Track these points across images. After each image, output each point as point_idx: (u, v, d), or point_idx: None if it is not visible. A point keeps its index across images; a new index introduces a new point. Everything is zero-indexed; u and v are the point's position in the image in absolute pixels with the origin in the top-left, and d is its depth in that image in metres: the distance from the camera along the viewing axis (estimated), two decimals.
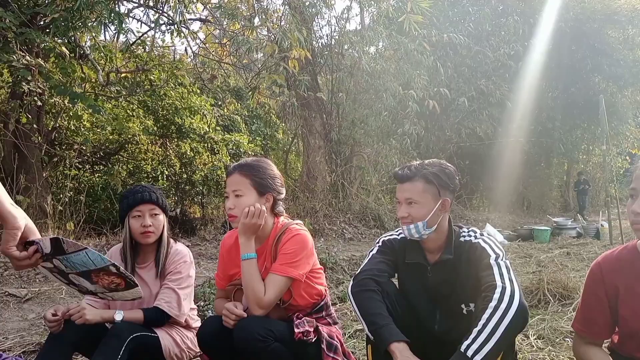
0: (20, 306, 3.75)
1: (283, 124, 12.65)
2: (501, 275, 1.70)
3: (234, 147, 11.44)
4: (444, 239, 1.92)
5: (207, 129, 10.57)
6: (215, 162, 11.12)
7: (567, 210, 16.16)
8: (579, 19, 12.80)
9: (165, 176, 11.18)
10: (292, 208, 8.51)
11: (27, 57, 5.55)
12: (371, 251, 2.04)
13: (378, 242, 2.07)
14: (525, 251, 7.68)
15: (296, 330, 1.95)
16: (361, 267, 1.96)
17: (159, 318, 2.25)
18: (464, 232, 1.94)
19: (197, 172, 10.98)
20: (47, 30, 5.93)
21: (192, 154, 10.84)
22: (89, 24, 5.30)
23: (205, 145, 10.87)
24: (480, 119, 12.09)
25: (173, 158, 11.11)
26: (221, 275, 2.27)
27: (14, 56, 5.43)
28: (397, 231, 2.08)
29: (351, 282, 1.91)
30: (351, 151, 10.43)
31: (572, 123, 14.63)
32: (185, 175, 11.32)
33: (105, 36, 5.80)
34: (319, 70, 9.85)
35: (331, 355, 2.02)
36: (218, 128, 11.33)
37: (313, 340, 1.99)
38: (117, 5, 5.14)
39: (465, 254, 1.87)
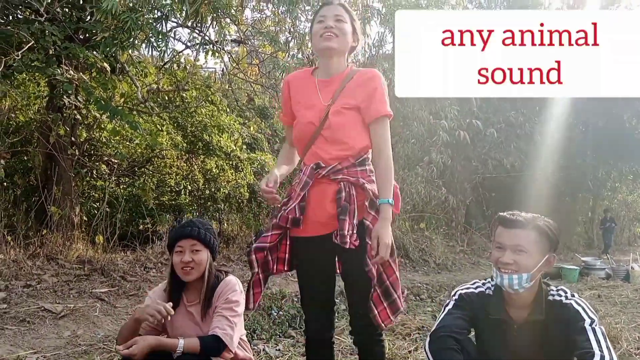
0: (56, 322, 3.72)
1: None
2: (598, 342, 1.62)
3: (258, 167, 11.48)
4: (533, 295, 1.83)
5: (234, 147, 10.63)
6: (238, 180, 11.16)
7: (591, 247, 15.81)
8: None
9: (188, 191, 11.24)
10: None
11: (71, 72, 5.65)
12: (447, 305, 1.96)
13: (454, 295, 1.98)
14: None
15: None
16: (437, 322, 1.88)
17: (215, 347, 2.17)
18: (553, 290, 1.86)
19: (220, 189, 11.01)
20: (89, 45, 6.05)
21: (217, 171, 10.89)
22: (137, 44, 5.38)
23: (230, 163, 10.92)
24: (507, 151, 11.96)
25: (197, 174, 11.17)
26: (287, 112, 2.31)
27: (58, 70, 5.53)
28: (473, 284, 1.99)
29: (428, 339, 1.83)
30: None
31: (599, 159, 14.41)
32: (208, 192, 11.36)
33: (149, 52, 5.88)
34: None
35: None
36: (243, 146, 11.40)
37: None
38: (162, 26, 5.22)
39: (556, 314, 1.79)
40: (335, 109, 2.08)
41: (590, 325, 1.69)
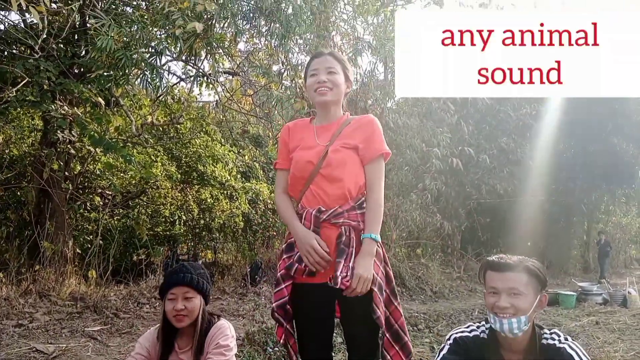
0: None
1: None
2: None
3: (253, 195, 11.48)
4: (528, 339, 1.83)
5: (228, 177, 10.66)
6: (233, 210, 11.14)
7: (588, 271, 15.80)
8: None
9: (182, 221, 11.20)
10: None
11: (65, 107, 5.69)
12: (441, 350, 1.95)
13: (449, 340, 1.97)
14: (552, 318, 7.44)
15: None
16: None
17: None
18: (546, 333, 1.86)
19: (215, 219, 10.99)
20: (83, 79, 6.11)
21: (212, 201, 10.88)
22: (131, 80, 5.45)
23: (225, 192, 10.92)
24: (500, 176, 12.04)
25: (192, 204, 11.15)
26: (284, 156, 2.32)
27: (53, 106, 5.57)
28: (467, 327, 1.98)
29: None
30: None
31: (592, 183, 14.52)
32: (202, 222, 11.32)
33: (145, 86, 5.94)
34: None
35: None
36: (237, 175, 11.42)
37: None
38: (156, 61, 5.29)
39: (549, 358, 1.78)
40: (334, 148, 2.12)
41: None
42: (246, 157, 12.38)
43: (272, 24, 6.54)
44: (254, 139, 13.68)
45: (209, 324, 2.34)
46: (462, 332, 1.98)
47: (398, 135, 9.77)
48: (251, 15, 6.13)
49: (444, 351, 1.93)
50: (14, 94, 5.27)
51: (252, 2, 6.18)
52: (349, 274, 1.99)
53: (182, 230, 11.39)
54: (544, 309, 1.86)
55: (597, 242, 14.46)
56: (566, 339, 1.82)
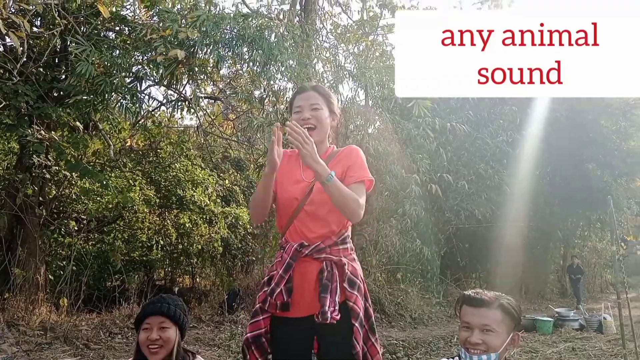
0: None
1: None
2: None
3: (233, 220, 11.38)
4: None
5: (208, 201, 10.57)
6: (212, 234, 11.02)
7: (565, 296, 15.93)
8: (574, 109, 13.32)
9: (160, 246, 11.01)
10: None
11: (42, 132, 5.61)
12: None
13: None
14: (529, 344, 7.47)
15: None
16: None
17: None
18: None
19: (194, 244, 10.84)
20: (61, 103, 6.04)
21: (190, 226, 10.75)
22: (110, 105, 5.42)
23: (204, 217, 10.81)
24: (479, 202, 12.19)
25: (170, 228, 11.00)
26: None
27: (29, 130, 5.49)
28: None
29: None
30: (352, 231, 10.36)
31: (568, 209, 14.78)
32: (180, 246, 11.15)
33: (124, 112, 5.91)
34: None
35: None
36: (218, 200, 11.33)
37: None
38: (137, 86, 5.28)
39: None
40: (319, 186, 2.10)
41: None
42: (227, 181, 12.31)
43: (255, 51, 6.60)
44: (235, 163, 13.64)
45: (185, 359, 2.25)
46: None
47: (378, 161, 9.86)
48: (233, 42, 6.18)
49: None
50: None
51: (235, 30, 6.25)
52: (336, 308, 1.99)
53: (159, 255, 11.19)
54: (516, 347, 1.86)
55: (568, 267, 14.51)
56: None
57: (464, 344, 1.80)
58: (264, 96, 8.56)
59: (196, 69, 6.64)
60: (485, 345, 1.76)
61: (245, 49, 6.49)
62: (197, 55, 5.88)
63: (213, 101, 9.45)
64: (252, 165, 11.98)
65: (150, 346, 2.13)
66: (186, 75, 6.83)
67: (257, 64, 6.94)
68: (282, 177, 2.23)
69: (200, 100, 8.50)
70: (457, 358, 1.91)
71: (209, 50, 6.01)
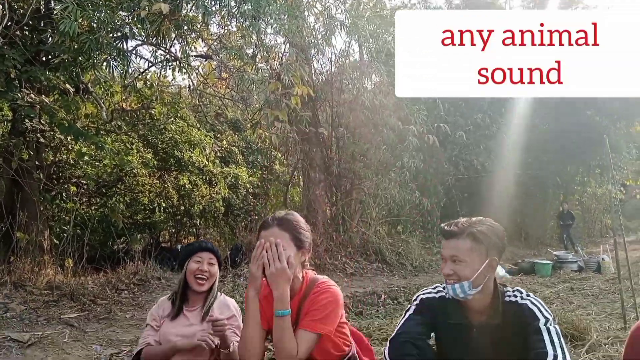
0: (23, 352, 3.64)
1: (281, 156, 12.67)
2: (552, 342, 1.66)
3: (233, 180, 11.43)
4: (490, 299, 1.86)
5: (206, 162, 10.58)
6: (213, 195, 11.09)
7: (574, 242, 16.16)
8: None
9: (162, 208, 11.10)
10: None
11: (32, 95, 5.56)
12: (408, 310, 1.97)
13: (415, 300, 1.99)
14: (528, 286, 7.62)
15: None
16: (398, 328, 1.89)
17: None
18: (509, 291, 1.88)
19: (195, 205, 10.92)
20: (51, 67, 5.96)
21: (190, 187, 10.80)
22: (97, 64, 5.33)
23: (204, 177, 10.85)
24: (477, 152, 12.20)
25: (171, 190, 11.05)
26: None
27: (19, 94, 5.44)
28: (434, 288, 2.00)
29: (387, 345, 1.84)
30: (351, 184, 10.42)
31: (566, 155, 14.77)
32: (183, 208, 11.25)
33: (111, 71, 5.82)
34: (319, 105, 9.94)
35: None
36: (216, 160, 11.34)
37: None
38: (123, 44, 5.18)
39: (512, 315, 1.81)
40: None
41: (545, 324, 1.72)
42: (224, 142, 12.27)
43: (243, 4, 6.44)
44: (232, 124, 13.57)
45: (216, 295, 2.58)
46: (429, 292, 2.00)
47: (375, 114, 9.81)
48: None
49: (410, 311, 1.95)
50: None
51: None
52: None
53: (162, 217, 11.29)
54: (497, 272, 1.89)
55: (559, 213, 14.52)
56: (528, 296, 1.85)
57: (442, 275, 1.84)
58: (256, 52, 8.41)
59: (185, 26, 6.51)
60: (456, 275, 1.80)
61: (232, 2, 6.32)
62: (183, 9, 5.74)
63: (204, 60, 9.29)
64: (248, 125, 11.90)
65: (199, 276, 2.48)
66: (174, 33, 6.69)
67: (246, 17, 6.78)
68: (270, 315, 2.06)
69: (191, 59, 8.37)
70: (439, 288, 1.97)
71: (194, 4, 5.87)
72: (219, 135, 12.29)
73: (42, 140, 6.25)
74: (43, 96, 5.91)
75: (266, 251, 1.95)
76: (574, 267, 9.31)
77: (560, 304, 6.03)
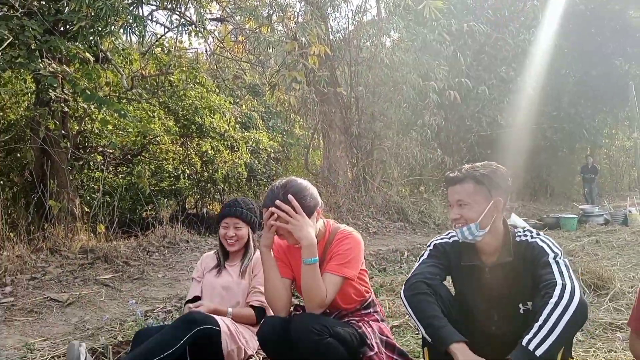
0: (63, 310, 3.83)
1: (300, 119, 12.65)
2: (561, 273, 1.70)
3: (254, 145, 11.51)
4: (500, 240, 1.90)
5: (227, 127, 10.65)
6: (235, 160, 11.21)
7: (597, 196, 15.89)
8: (597, 0, 12.54)
9: (186, 175, 11.30)
10: None
11: (53, 65, 5.64)
12: (422, 256, 2.04)
13: (429, 246, 2.06)
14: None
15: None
16: (412, 271, 1.96)
17: (262, 316, 2.54)
18: (519, 232, 1.93)
19: (218, 170, 11.08)
20: (70, 36, 6.01)
21: (213, 153, 10.93)
22: (114, 30, 5.35)
23: (225, 143, 10.95)
24: (501, 107, 11.94)
25: (194, 157, 11.21)
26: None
27: (41, 64, 5.52)
28: (447, 234, 2.06)
29: (403, 287, 1.91)
30: (372, 145, 10.38)
31: (594, 107, 14.36)
32: (206, 174, 11.42)
33: (129, 38, 5.84)
34: (337, 64, 9.82)
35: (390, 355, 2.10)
36: (237, 126, 11.40)
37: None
38: (138, 10, 5.18)
39: (522, 254, 1.85)
40: None
41: (554, 258, 1.77)
42: (244, 106, 12.28)
43: None
44: (250, 89, 13.55)
45: (254, 251, 2.74)
46: (441, 239, 2.07)
47: (394, 72, 9.65)
48: None
49: (424, 256, 2.02)
50: (0, 54, 5.22)
51: None
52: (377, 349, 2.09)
53: (187, 184, 11.50)
54: (504, 211, 1.92)
55: (582, 167, 14.16)
56: (538, 234, 1.89)
57: (451, 221, 1.89)
58: (271, 12, 8.30)
59: None
60: (463, 219, 1.85)
61: None
62: None
63: (220, 24, 9.21)
64: (266, 88, 11.86)
65: (228, 240, 2.68)
66: None
67: None
68: (296, 266, 2.19)
69: (207, 22, 8.30)
70: (452, 234, 2.02)
71: None
72: (238, 101, 12.31)
73: (66, 109, 6.37)
74: (64, 66, 5.99)
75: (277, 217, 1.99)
76: (600, 221, 9.18)
77: (585, 256, 5.99)
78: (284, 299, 2.15)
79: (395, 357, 2.13)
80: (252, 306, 2.60)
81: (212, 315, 2.40)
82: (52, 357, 2.80)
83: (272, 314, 2.19)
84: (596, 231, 8.38)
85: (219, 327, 2.35)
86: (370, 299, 2.27)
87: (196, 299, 2.72)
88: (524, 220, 9.04)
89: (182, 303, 3.80)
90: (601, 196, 13.29)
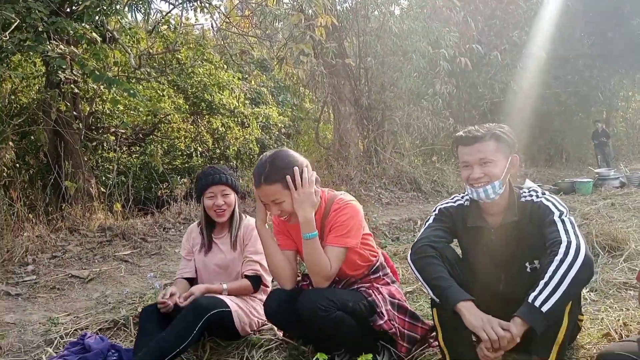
0: (85, 286, 3.95)
1: (310, 93, 12.57)
2: (566, 231, 1.70)
3: (264, 120, 11.51)
4: (506, 200, 1.90)
5: (237, 104, 10.65)
6: (246, 136, 11.23)
7: (610, 160, 15.65)
8: None
9: (199, 153, 11.38)
10: (327, 177, 8.54)
11: (61, 46, 5.66)
12: (427, 221, 2.06)
13: (434, 211, 2.07)
14: (568, 204, 7.42)
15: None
16: (418, 236, 1.98)
17: (258, 284, 2.54)
18: (525, 192, 1.93)
19: (230, 147, 11.13)
20: (76, 17, 6.01)
21: (224, 130, 10.97)
22: (119, 9, 5.34)
23: (236, 119, 10.97)
24: (514, 73, 11.70)
25: (205, 134, 11.27)
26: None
27: (49, 46, 5.55)
28: (452, 198, 2.07)
29: (410, 251, 1.93)
30: (382, 116, 10.30)
31: (610, 70, 13.99)
32: (218, 151, 11.49)
33: (134, 16, 5.82)
34: (345, 35, 9.68)
35: (403, 318, 2.14)
36: (246, 102, 11.38)
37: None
38: None
39: (528, 213, 1.86)
40: None
41: (560, 217, 1.77)
42: (253, 82, 12.24)
43: None
44: (259, 64, 13.46)
45: (241, 218, 2.65)
46: (447, 203, 2.07)
47: (403, 40, 9.49)
48: None
49: (430, 221, 2.04)
50: (8, 38, 5.25)
51: None
52: (388, 316, 2.09)
53: (199, 161, 11.59)
54: (516, 169, 1.91)
55: (593, 133, 13.88)
56: (543, 194, 1.89)
57: (468, 181, 1.87)
58: None
59: None
60: (487, 177, 1.83)
61: None
62: None
63: None
64: (275, 62, 11.76)
65: (217, 210, 2.53)
66: None
67: None
68: (297, 238, 2.18)
69: None
70: (467, 193, 2.00)
71: None
72: (246, 77, 12.27)
73: (76, 91, 6.42)
74: (72, 47, 6.01)
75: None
76: (616, 184, 9.07)
77: (600, 219, 5.95)
78: (288, 271, 2.18)
79: (407, 319, 2.16)
80: (246, 276, 2.53)
81: (219, 297, 2.39)
82: (76, 330, 2.89)
83: (271, 284, 2.24)
84: (612, 194, 8.28)
85: (229, 307, 2.37)
86: (377, 263, 2.27)
87: (190, 281, 2.63)
88: (538, 186, 8.96)
89: None
90: (617, 159, 13.05)
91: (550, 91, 12.65)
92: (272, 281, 2.64)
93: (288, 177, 2.00)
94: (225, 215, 2.54)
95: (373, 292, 2.12)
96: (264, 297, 2.68)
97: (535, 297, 1.58)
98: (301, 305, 1.99)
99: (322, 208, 2.15)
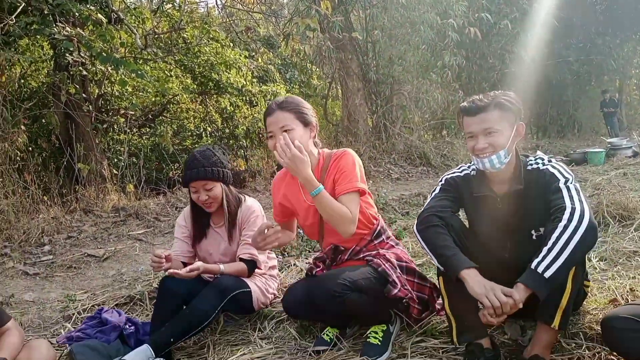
0: (101, 265, 4.05)
1: (317, 69, 12.47)
2: (571, 197, 1.71)
3: (272, 98, 11.47)
4: (512, 169, 1.90)
5: (244, 82, 10.61)
6: (255, 115, 11.23)
7: (620, 129, 15.43)
8: None
9: (208, 133, 11.42)
10: None
11: (68, 29, 5.67)
12: (434, 191, 2.06)
13: (440, 181, 2.08)
14: (579, 175, 7.45)
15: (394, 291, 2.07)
16: (424, 206, 2.00)
17: (252, 268, 2.51)
18: (531, 160, 1.92)
19: (239, 126, 11.14)
20: None
21: (232, 109, 10.97)
22: None
23: (244, 98, 10.95)
24: (525, 42, 11.45)
25: (214, 114, 11.28)
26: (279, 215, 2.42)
27: (55, 29, 5.57)
28: (458, 168, 2.08)
29: (416, 222, 1.95)
30: (391, 90, 10.21)
31: (622, 36, 13.62)
32: (227, 130, 11.51)
33: None
34: (351, 8, 9.54)
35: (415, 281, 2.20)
36: (254, 80, 11.34)
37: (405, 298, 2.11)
38: None
39: (534, 181, 1.86)
40: None
41: (565, 184, 1.77)
42: (259, 60, 12.17)
43: None
44: (265, 41, 13.36)
45: (239, 202, 2.58)
46: (453, 173, 2.08)
47: (411, 12, 9.33)
48: None
49: (436, 191, 2.05)
50: (14, 21, 5.28)
51: None
52: (400, 283, 2.12)
53: (209, 141, 11.63)
54: (521, 137, 1.91)
55: (601, 102, 13.55)
56: (549, 161, 1.89)
57: (473, 152, 1.87)
58: None
59: None
60: (492, 147, 1.82)
61: None
62: None
63: None
64: (281, 39, 11.66)
65: (203, 204, 2.48)
66: None
67: None
68: (294, 204, 2.27)
69: None
70: (463, 168, 2.01)
71: None
72: (253, 54, 12.19)
73: (85, 73, 6.46)
74: (78, 29, 6.02)
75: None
76: (629, 153, 8.95)
77: (611, 188, 5.90)
78: (290, 238, 2.47)
79: (416, 280, 2.21)
80: (242, 259, 2.49)
81: (240, 278, 2.45)
82: (93, 306, 2.98)
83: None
84: (624, 164, 8.20)
85: (249, 288, 2.45)
86: (379, 226, 2.30)
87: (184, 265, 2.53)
88: (549, 157, 8.87)
89: None
90: (631, 128, 12.82)
91: (561, 59, 12.38)
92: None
93: (301, 111, 2.12)
94: (212, 207, 2.49)
95: (381, 260, 2.15)
96: (275, 272, 2.79)
97: (538, 264, 1.60)
98: (316, 295, 2.06)
99: (321, 163, 2.21)
